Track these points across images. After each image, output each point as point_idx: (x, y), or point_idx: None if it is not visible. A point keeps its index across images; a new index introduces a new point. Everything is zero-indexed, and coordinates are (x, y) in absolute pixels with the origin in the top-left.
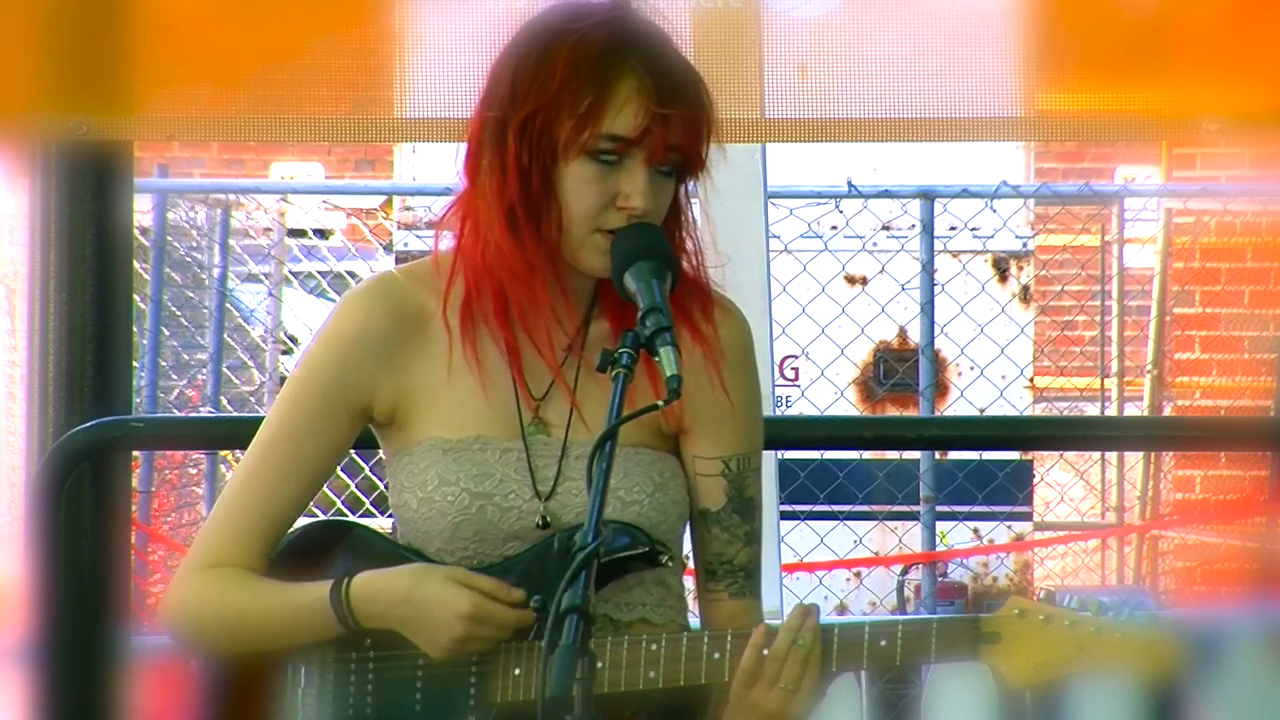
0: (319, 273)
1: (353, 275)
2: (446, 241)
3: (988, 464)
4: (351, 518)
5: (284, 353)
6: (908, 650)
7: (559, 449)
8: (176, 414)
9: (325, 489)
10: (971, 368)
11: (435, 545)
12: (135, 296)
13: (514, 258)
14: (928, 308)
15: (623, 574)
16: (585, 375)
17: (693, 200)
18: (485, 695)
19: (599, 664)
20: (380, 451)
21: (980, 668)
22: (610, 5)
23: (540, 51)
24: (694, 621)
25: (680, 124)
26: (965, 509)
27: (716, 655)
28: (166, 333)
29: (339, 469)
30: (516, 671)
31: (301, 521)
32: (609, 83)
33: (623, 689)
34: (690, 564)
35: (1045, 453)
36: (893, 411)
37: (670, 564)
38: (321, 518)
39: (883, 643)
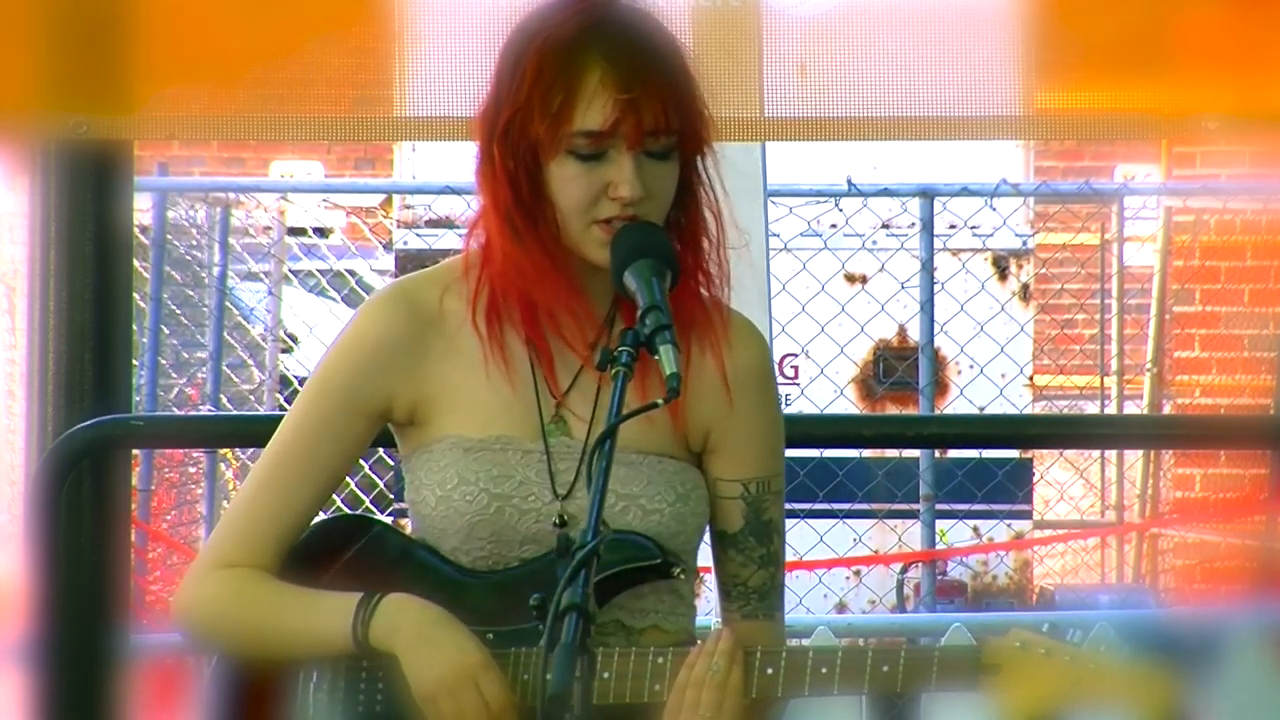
0: (319, 271)
1: (352, 274)
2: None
3: (987, 462)
4: (378, 515)
5: (284, 351)
6: (909, 677)
7: (580, 451)
8: (176, 412)
9: None
10: (971, 366)
11: (451, 543)
12: (135, 295)
13: (522, 262)
14: (927, 306)
15: (635, 584)
16: (608, 379)
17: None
18: None
19: (605, 674)
20: (380, 450)
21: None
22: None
23: (515, 55)
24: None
25: (651, 106)
26: (965, 507)
27: None
28: (166, 331)
29: None
30: (525, 678)
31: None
32: (575, 79)
33: (628, 700)
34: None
35: (1045, 451)
36: (892, 410)
37: (683, 576)
38: (345, 512)
39: (884, 668)
